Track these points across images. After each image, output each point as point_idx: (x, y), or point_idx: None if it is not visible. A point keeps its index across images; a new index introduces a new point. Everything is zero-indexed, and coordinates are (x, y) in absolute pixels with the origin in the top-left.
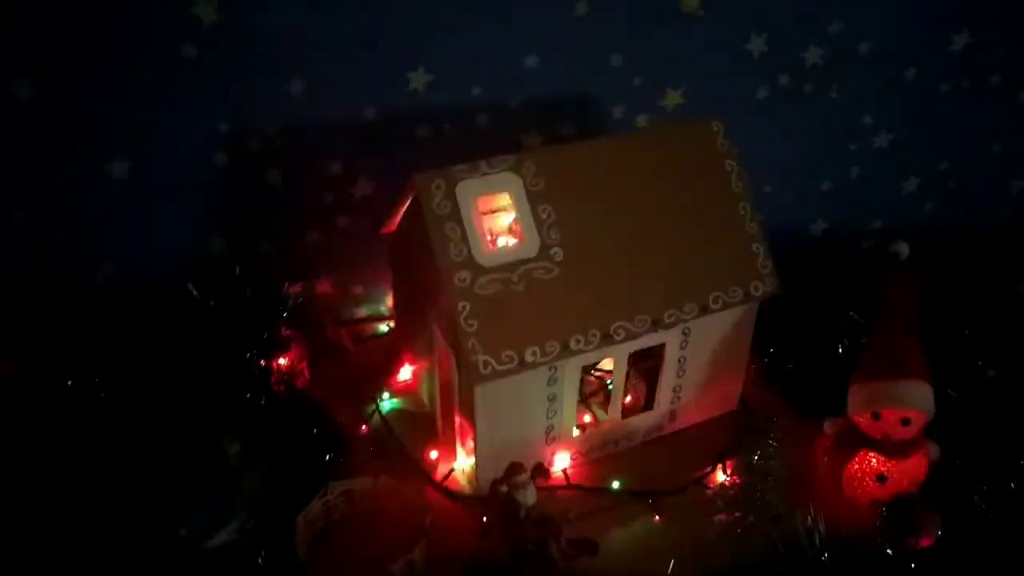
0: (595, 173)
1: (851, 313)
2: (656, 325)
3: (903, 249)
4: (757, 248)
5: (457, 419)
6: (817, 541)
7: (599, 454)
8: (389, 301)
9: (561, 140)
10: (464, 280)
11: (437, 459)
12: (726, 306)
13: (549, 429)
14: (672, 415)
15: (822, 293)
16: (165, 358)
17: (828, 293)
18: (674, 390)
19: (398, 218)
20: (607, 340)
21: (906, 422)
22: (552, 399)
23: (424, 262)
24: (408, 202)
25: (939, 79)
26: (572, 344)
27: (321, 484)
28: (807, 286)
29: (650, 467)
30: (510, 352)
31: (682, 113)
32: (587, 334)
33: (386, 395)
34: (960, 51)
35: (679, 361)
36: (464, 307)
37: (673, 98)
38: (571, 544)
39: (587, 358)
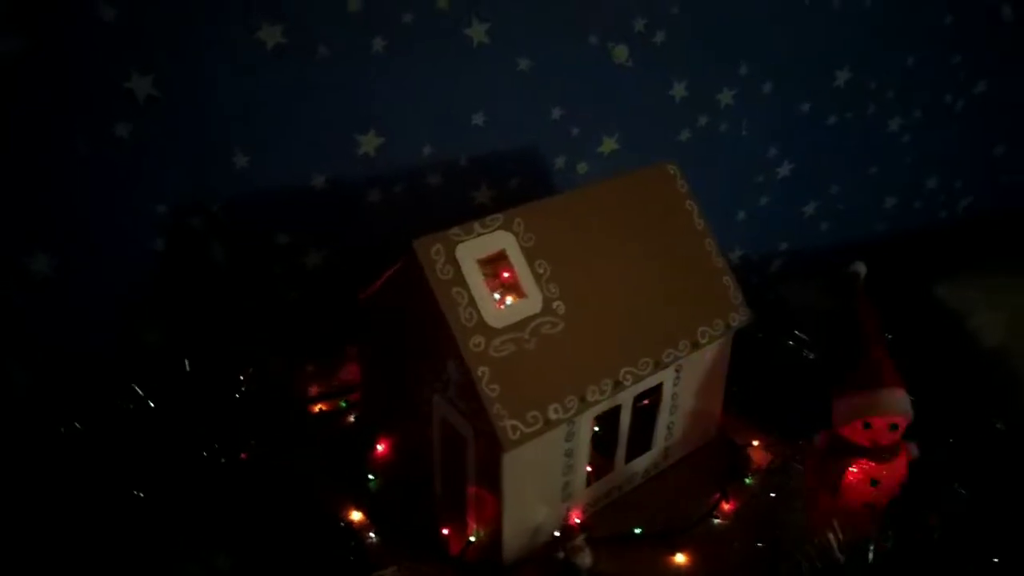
0: (578, 224)
1: (796, 332)
2: (657, 366)
3: (862, 269)
4: (727, 281)
5: (472, 491)
6: (843, 552)
7: (603, 503)
8: (341, 376)
9: (509, 194)
10: (479, 345)
11: (450, 535)
12: (712, 340)
13: (565, 486)
14: (666, 453)
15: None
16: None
17: (769, 316)
18: (668, 427)
19: (376, 288)
20: (618, 387)
21: (893, 427)
22: (568, 455)
23: (424, 330)
24: (395, 270)
25: (827, 111)
26: (589, 396)
27: None
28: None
29: (655, 507)
30: (534, 413)
31: (617, 159)
32: (600, 384)
33: (370, 476)
34: (842, 86)
35: (672, 398)
36: (483, 372)
37: (608, 144)
38: None
39: (599, 408)
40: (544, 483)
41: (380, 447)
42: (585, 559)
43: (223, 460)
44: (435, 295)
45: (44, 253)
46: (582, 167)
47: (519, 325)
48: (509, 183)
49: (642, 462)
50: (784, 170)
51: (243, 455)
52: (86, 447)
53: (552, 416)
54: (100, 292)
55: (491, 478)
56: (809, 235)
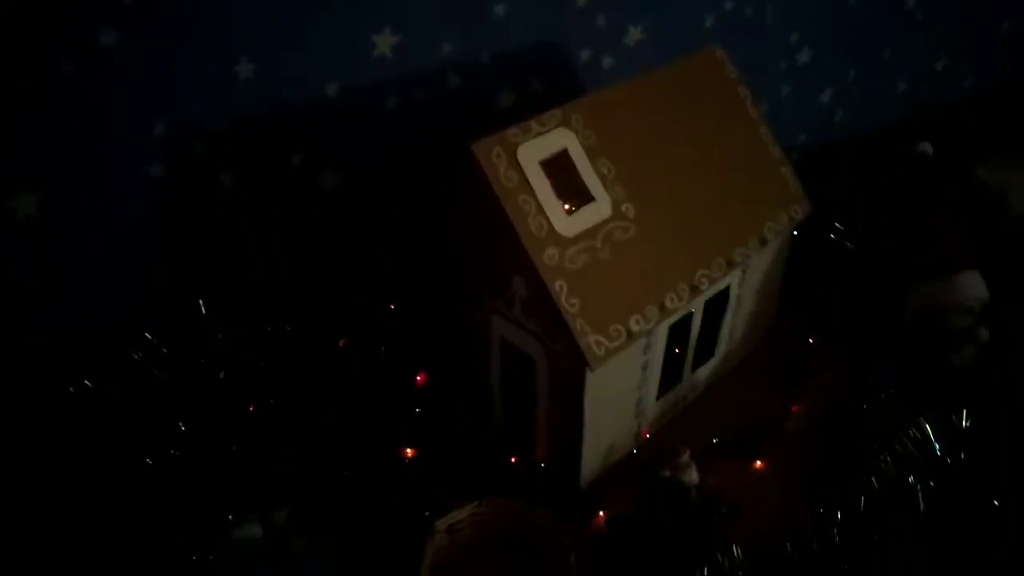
0: (635, 119)
1: (836, 224)
2: (730, 266)
3: (929, 148)
4: (786, 172)
5: (542, 415)
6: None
7: (670, 416)
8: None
9: (532, 96)
10: (553, 257)
11: (518, 463)
12: (778, 235)
13: (639, 402)
14: (726, 358)
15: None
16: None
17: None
18: (730, 332)
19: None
20: (695, 292)
21: (970, 310)
22: (644, 368)
23: (484, 245)
24: (444, 182)
25: None
26: (668, 303)
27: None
28: None
29: (723, 416)
30: (617, 326)
31: (643, 51)
32: (677, 290)
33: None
34: None
35: (736, 300)
36: (560, 287)
37: (634, 34)
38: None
39: (676, 316)
40: (620, 400)
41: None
42: (692, 476)
43: (259, 408)
44: (501, 204)
45: (29, 192)
46: (607, 61)
47: (591, 232)
48: (532, 83)
49: (705, 370)
50: (804, 56)
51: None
52: (98, 407)
53: (634, 328)
54: (95, 231)
55: (567, 400)
56: (826, 126)
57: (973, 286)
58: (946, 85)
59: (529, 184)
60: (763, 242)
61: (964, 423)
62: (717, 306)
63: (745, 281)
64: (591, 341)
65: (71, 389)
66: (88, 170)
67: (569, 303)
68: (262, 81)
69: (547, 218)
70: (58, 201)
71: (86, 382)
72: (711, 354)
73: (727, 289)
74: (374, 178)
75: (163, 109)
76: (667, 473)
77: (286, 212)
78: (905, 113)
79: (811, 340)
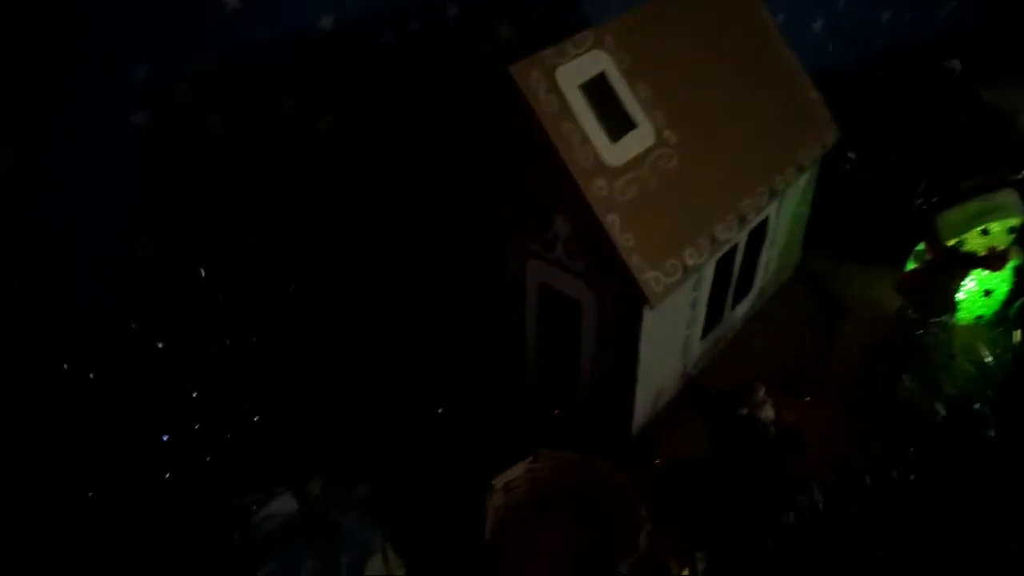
0: (667, 42)
1: (848, 155)
2: (772, 195)
3: (957, 65)
4: (815, 97)
5: (588, 360)
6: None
7: (711, 356)
8: None
9: (531, 28)
10: (602, 189)
11: (558, 415)
12: (813, 161)
13: (686, 341)
14: (761, 294)
15: None
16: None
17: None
18: (766, 266)
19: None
20: (742, 223)
21: (1011, 230)
22: (693, 305)
23: (520, 183)
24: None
25: None
26: (719, 234)
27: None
28: None
29: (763, 354)
30: (673, 260)
31: None
32: (726, 220)
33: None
34: None
35: (773, 232)
36: (613, 221)
37: None
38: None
39: (724, 248)
40: (670, 341)
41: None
42: (768, 413)
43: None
44: (545, 132)
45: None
46: None
47: (637, 160)
48: (531, 13)
49: (742, 307)
50: None
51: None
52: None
53: (689, 262)
54: (74, 191)
55: (619, 343)
56: (818, 55)
57: (1014, 203)
58: (925, 13)
59: (571, 110)
60: (800, 169)
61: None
62: (756, 239)
63: (781, 212)
64: (649, 277)
65: (65, 366)
66: (64, 121)
67: (623, 238)
68: (251, 13)
69: (593, 147)
70: (31, 157)
71: (86, 361)
72: (748, 290)
73: (766, 220)
74: (372, 119)
75: (144, 49)
76: (744, 411)
77: (280, 161)
78: (891, 41)
79: (838, 273)
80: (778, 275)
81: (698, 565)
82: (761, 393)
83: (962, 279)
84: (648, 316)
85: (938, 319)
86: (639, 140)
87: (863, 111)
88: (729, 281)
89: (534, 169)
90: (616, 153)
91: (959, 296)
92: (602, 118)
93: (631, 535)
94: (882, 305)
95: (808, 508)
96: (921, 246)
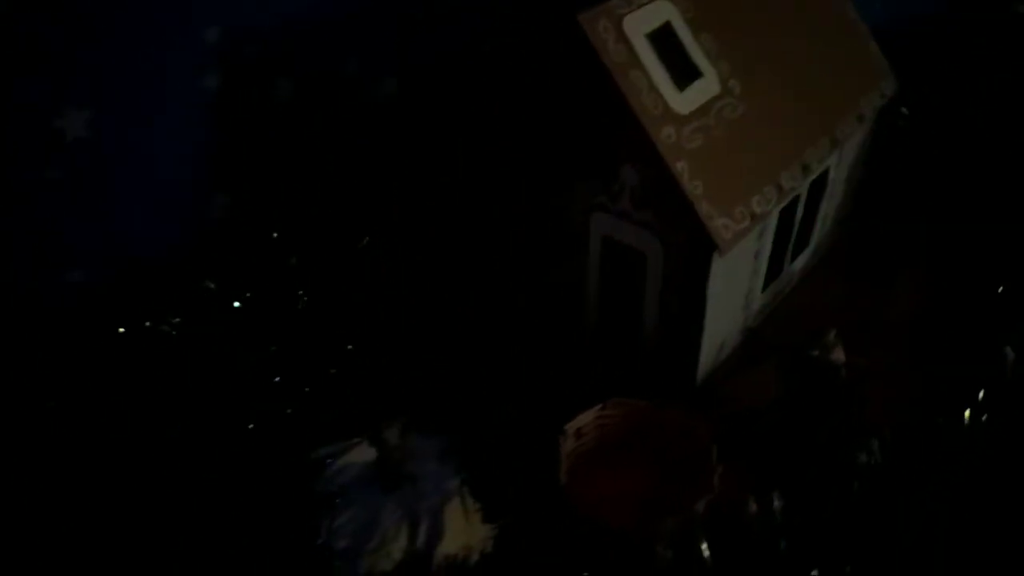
0: None
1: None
2: (833, 145)
3: None
4: (873, 47)
5: (651, 314)
6: None
7: (768, 311)
8: None
9: None
10: (671, 137)
11: (622, 367)
12: (873, 111)
13: (748, 293)
14: (817, 248)
15: None
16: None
17: None
18: (823, 220)
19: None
20: (807, 172)
21: None
22: (757, 256)
23: (584, 133)
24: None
25: None
26: (784, 183)
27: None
28: None
29: (821, 309)
30: (741, 208)
31: None
32: (791, 169)
33: None
34: None
35: (832, 184)
36: (682, 168)
37: None
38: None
39: (789, 198)
40: (733, 293)
41: None
42: (840, 355)
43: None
44: (614, 81)
45: (77, 110)
46: None
47: (704, 110)
48: None
49: (801, 260)
50: None
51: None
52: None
53: (757, 210)
54: (149, 152)
55: (685, 294)
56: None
57: None
58: None
59: (639, 59)
60: (861, 119)
61: None
62: (816, 191)
63: (841, 164)
64: (719, 224)
65: (147, 324)
66: (139, 85)
67: (692, 185)
68: None
69: (661, 95)
70: (109, 120)
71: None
72: (807, 244)
73: (826, 172)
74: (436, 80)
75: (215, 11)
76: (815, 353)
77: (346, 123)
78: None
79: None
80: (834, 231)
81: (774, 504)
82: (832, 335)
83: None
84: (716, 265)
85: None
86: (704, 89)
87: (924, 62)
88: (790, 234)
89: (601, 120)
90: (683, 102)
91: None
92: (668, 67)
93: (704, 477)
94: (941, 261)
95: (880, 450)
96: None
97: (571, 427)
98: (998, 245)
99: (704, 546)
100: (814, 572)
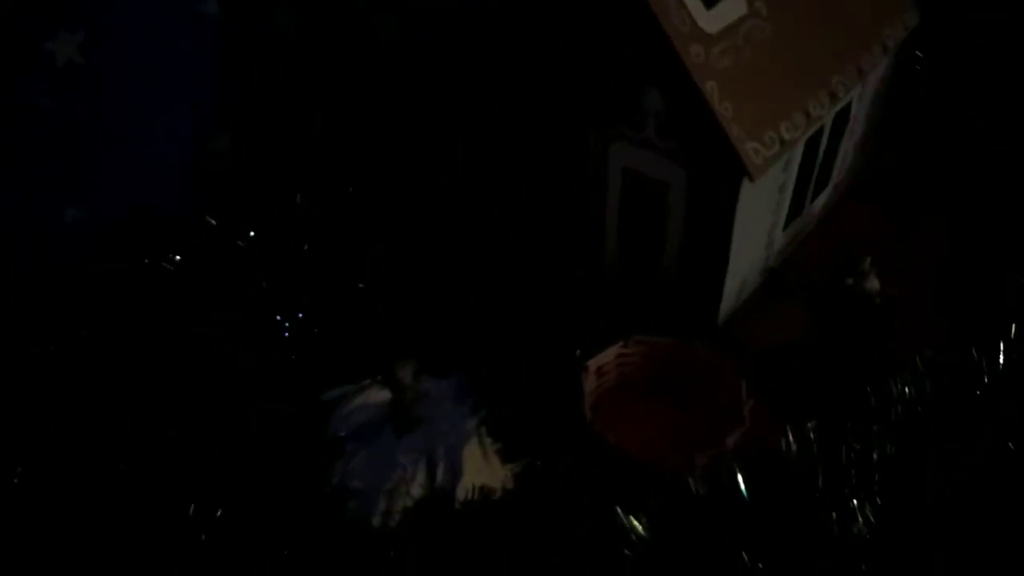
0: None
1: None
2: (860, 74)
3: None
4: None
5: (673, 249)
6: None
7: (789, 251)
8: None
9: None
10: (700, 55)
11: (642, 303)
12: (896, 44)
13: (771, 230)
14: (836, 187)
15: None
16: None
17: None
18: (843, 158)
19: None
20: (833, 100)
21: None
22: (781, 189)
23: (602, 56)
24: None
25: None
26: (812, 110)
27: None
28: None
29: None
30: (771, 133)
31: None
32: (818, 96)
33: None
34: None
35: (854, 119)
36: (712, 88)
37: None
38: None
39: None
40: (757, 226)
41: None
42: (874, 283)
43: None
44: None
45: (68, 33)
46: None
47: (731, 29)
48: None
49: (820, 200)
50: None
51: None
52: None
53: (786, 135)
54: (145, 80)
55: (710, 225)
56: None
57: None
58: None
59: None
60: (885, 50)
61: None
62: (839, 125)
63: (863, 98)
64: (749, 148)
65: (146, 261)
66: (134, 8)
67: (722, 106)
68: None
69: (688, 11)
70: (101, 44)
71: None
72: (827, 182)
73: (849, 106)
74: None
75: None
76: (849, 280)
77: (350, 56)
78: None
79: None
80: (852, 171)
81: (810, 434)
82: (867, 264)
83: None
84: (743, 194)
85: None
86: (732, 8)
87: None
88: (812, 169)
89: (626, 41)
90: (711, 19)
91: None
92: None
93: (734, 411)
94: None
95: (912, 381)
96: None
97: (592, 364)
98: (1015, 186)
99: (740, 479)
100: (853, 501)
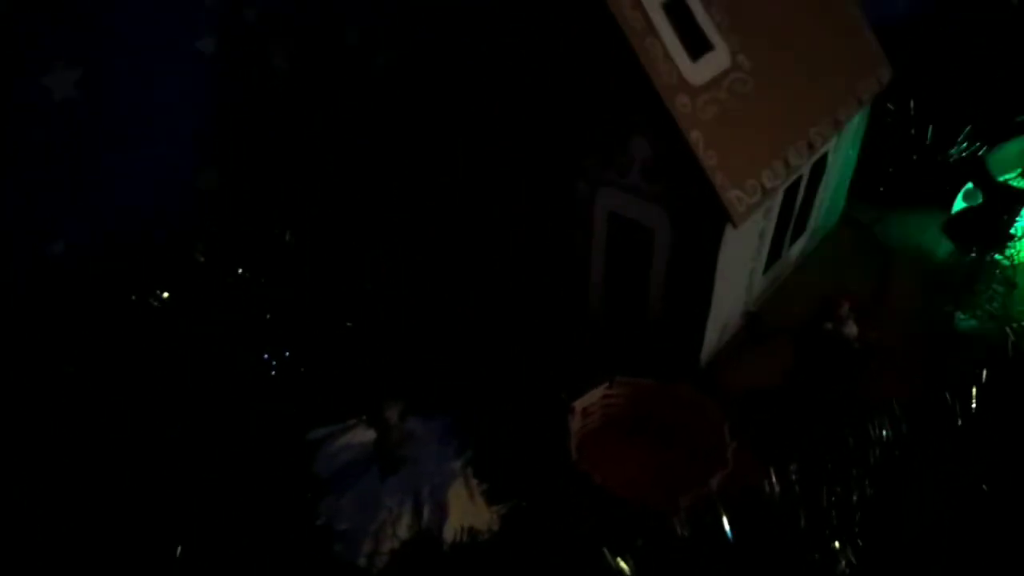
0: None
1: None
2: (836, 126)
3: None
4: (868, 34)
5: (656, 293)
6: None
7: (767, 295)
8: None
9: None
10: (686, 106)
11: (625, 346)
12: (871, 97)
13: (751, 274)
14: (813, 234)
15: None
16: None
17: None
18: (820, 204)
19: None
20: (811, 150)
21: None
22: (761, 235)
23: (593, 104)
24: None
25: None
26: (791, 160)
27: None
28: None
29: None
30: (752, 181)
31: None
32: (797, 146)
33: None
34: None
35: (830, 168)
36: (697, 138)
37: None
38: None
39: (794, 176)
40: (738, 271)
41: None
42: (852, 328)
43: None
44: (631, 47)
45: (67, 69)
46: None
47: (716, 82)
48: None
49: (798, 245)
50: None
51: None
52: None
53: (767, 183)
54: (140, 116)
55: (692, 271)
56: None
57: None
58: None
59: (654, 27)
60: (860, 103)
61: None
62: (816, 174)
63: (838, 148)
64: (732, 196)
65: (133, 297)
66: (132, 45)
67: (707, 155)
68: None
69: (675, 64)
70: (99, 80)
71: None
72: (804, 228)
73: (825, 156)
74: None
75: None
76: (828, 326)
77: (344, 94)
78: None
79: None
80: (827, 217)
81: (792, 476)
82: (846, 309)
83: (1017, 214)
84: (725, 240)
85: (993, 253)
86: (716, 62)
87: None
88: (790, 215)
89: (614, 91)
90: (696, 72)
91: (1013, 231)
92: (682, 38)
93: (717, 453)
94: (931, 248)
95: (890, 424)
96: (970, 185)
97: (578, 405)
98: (983, 233)
99: (725, 520)
100: (836, 543)
